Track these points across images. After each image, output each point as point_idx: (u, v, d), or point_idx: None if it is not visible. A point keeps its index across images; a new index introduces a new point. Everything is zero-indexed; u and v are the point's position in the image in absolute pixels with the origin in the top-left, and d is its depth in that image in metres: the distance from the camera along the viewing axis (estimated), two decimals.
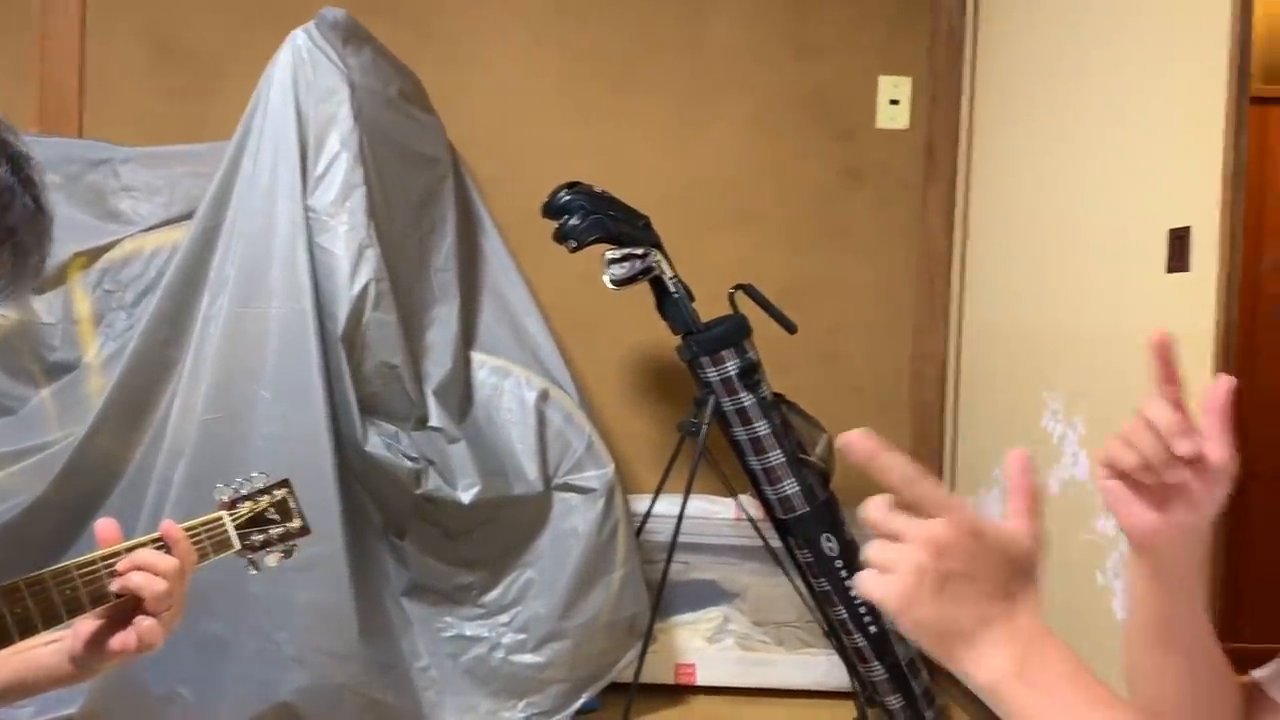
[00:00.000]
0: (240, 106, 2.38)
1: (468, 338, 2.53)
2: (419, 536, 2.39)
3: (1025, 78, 2.61)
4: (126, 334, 2.37)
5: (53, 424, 2.34)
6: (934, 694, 2.56)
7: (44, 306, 2.39)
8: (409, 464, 2.26)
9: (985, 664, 0.64)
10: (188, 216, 2.42)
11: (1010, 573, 0.66)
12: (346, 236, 2.23)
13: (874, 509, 0.66)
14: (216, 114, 2.72)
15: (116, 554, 1.05)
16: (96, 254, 2.44)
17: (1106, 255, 2.14)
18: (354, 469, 2.28)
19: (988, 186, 2.82)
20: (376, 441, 2.25)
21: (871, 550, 0.66)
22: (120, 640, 1.02)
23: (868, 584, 0.65)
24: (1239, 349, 1.74)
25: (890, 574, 0.64)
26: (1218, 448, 0.78)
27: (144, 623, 1.02)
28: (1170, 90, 1.94)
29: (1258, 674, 0.96)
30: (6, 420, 2.35)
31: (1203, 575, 0.87)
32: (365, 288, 2.22)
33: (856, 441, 0.66)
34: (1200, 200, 1.79)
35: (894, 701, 2.51)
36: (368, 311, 2.23)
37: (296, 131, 2.27)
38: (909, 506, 0.66)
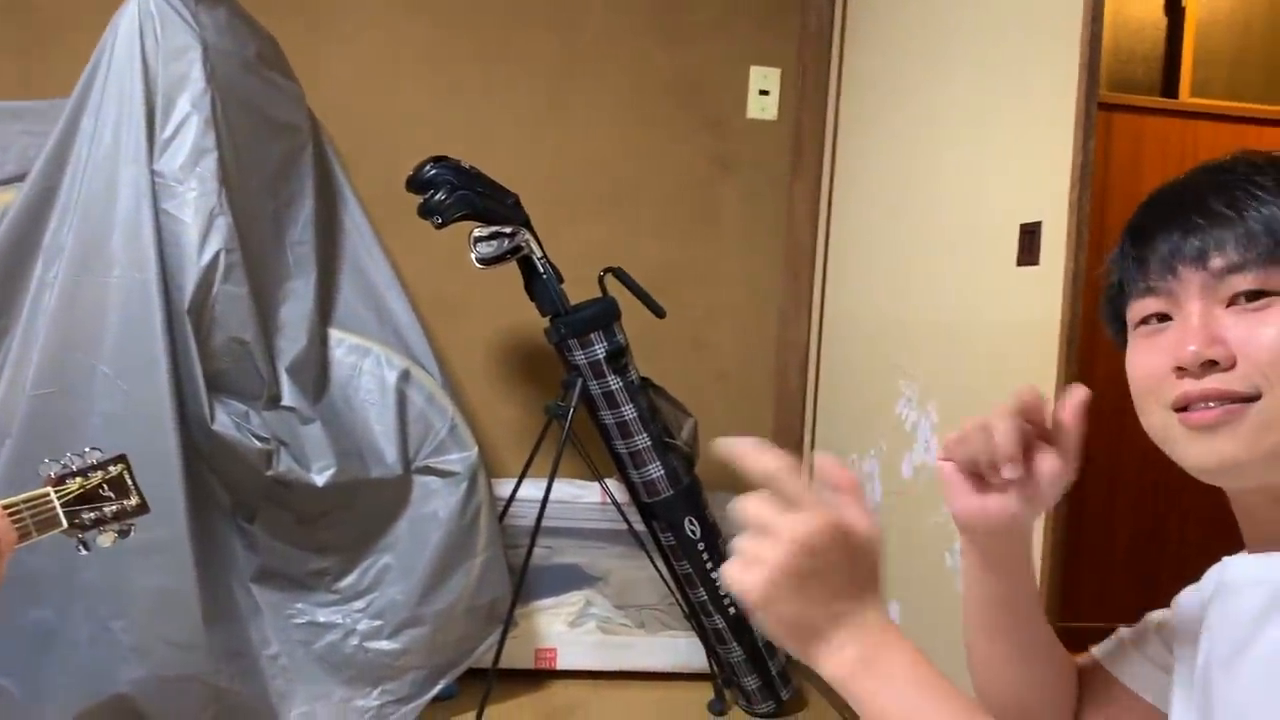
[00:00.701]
0: (81, 62, 2.22)
1: (325, 314, 2.44)
2: (270, 520, 2.30)
3: (889, 75, 2.68)
4: None
5: None
6: (789, 675, 2.61)
7: None
8: (259, 444, 2.17)
9: (835, 658, 0.68)
10: (21, 178, 2.25)
11: (862, 571, 0.68)
12: (196, 203, 2.12)
13: (753, 502, 0.67)
14: (56, 70, 2.54)
15: None
16: None
17: (961, 249, 2.21)
18: (200, 449, 2.17)
19: (852, 180, 2.88)
20: (225, 420, 2.14)
21: (740, 542, 0.67)
22: None
23: (733, 574, 0.67)
24: (1084, 341, 1.82)
25: (756, 568, 0.66)
26: (1052, 460, 0.82)
27: None
28: (1025, 92, 2.01)
29: (1097, 650, 1.00)
30: None
31: (1029, 564, 0.90)
32: (215, 258, 2.11)
33: (738, 447, 0.67)
34: (1050, 197, 1.87)
35: (751, 682, 2.55)
36: (217, 283, 2.12)
37: (143, 90, 2.13)
38: (779, 501, 0.67)
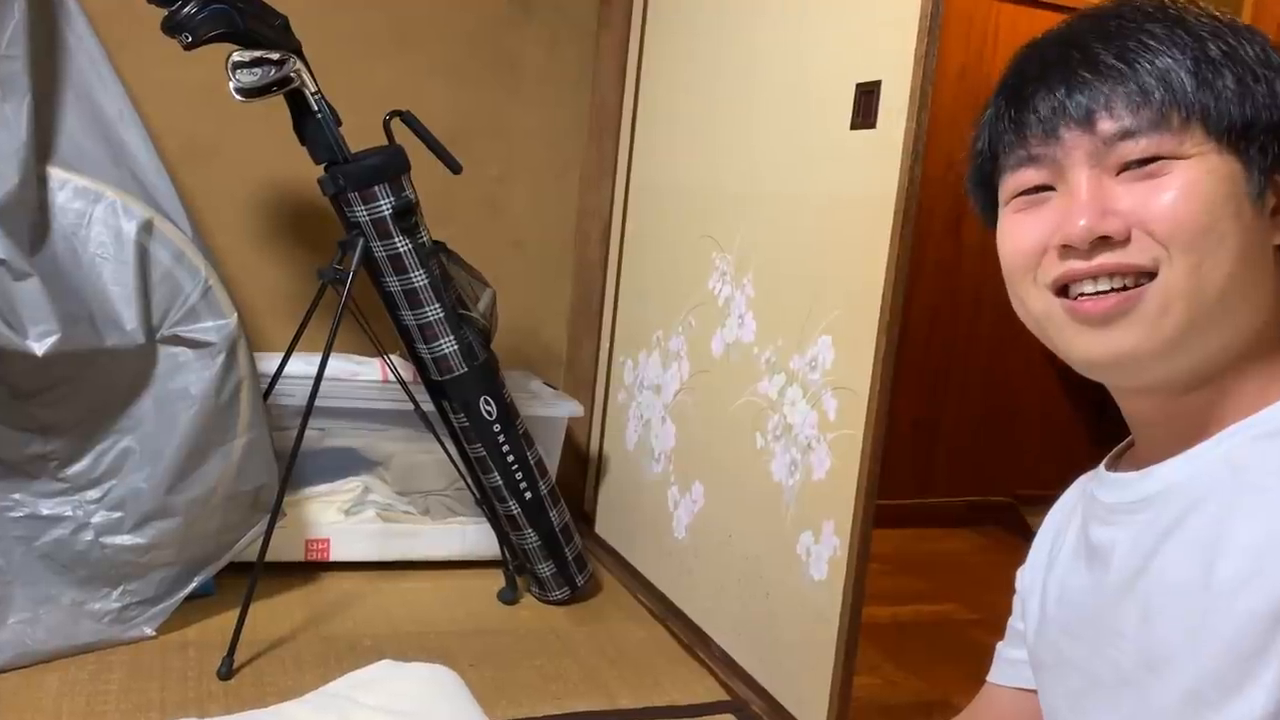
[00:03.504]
0: None
1: (43, 149, 2.00)
2: None
3: None
4: None
5: None
6: (585, 559, 2.49)
7: None
8: None
9: None
10: None
11: None
12: None
13: None
14: None
15: None
16: None
17: (788, 111, 2.05)
18: None
19: (666, 33, 2.65)
20: None
21: None
22: None
23: None
24: (921, 210, 1.71)
25: None
26: None
27: None
28: None
29: (990, 677, 0.97)
30: None
31: None
32: None
33: None
34: (893, 54, 1.73)
35: (545, 569, 2.40)
36: None
37: None
38: None
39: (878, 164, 1.75)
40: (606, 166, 2.85)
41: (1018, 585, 0.93)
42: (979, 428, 3.49)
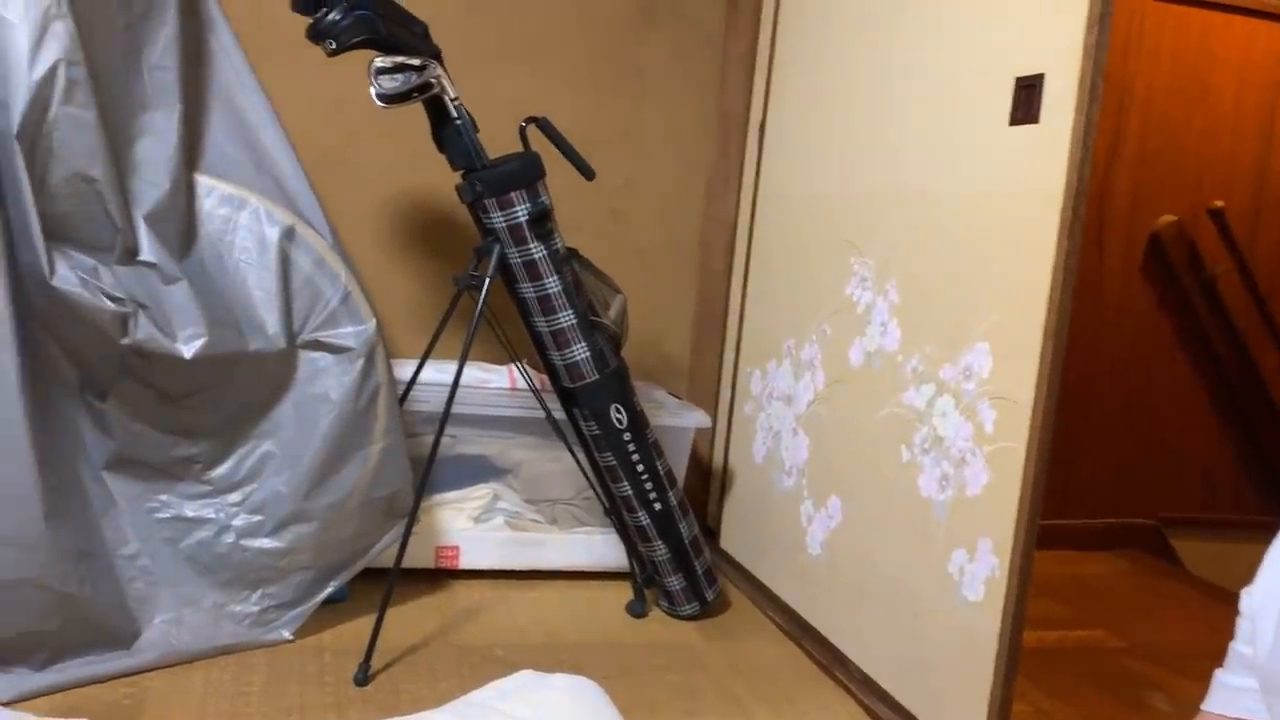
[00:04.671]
0: None
1: (191, 156, 2.04)
2: (126, 398, 1.94)
3: None
4: None
5: None
6: (715, 574, 2.43)
7: None
8: (112, 306, 1.79)
9: None
10: None
11: None
12: (26, 1, 1.69)
13: None
14: None
15: None
16: None
17: (936, 108, 1.97)
18: (37, 310, 1.78)
19: (799, 35, 2.60)
20: (68, 275, 1.75)
21: None
22: None
23: None
24: (1090, 214, 1.62)
25: None
26: None
27: None
28: None
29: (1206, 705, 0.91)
30: None
31: None
32: (53, 71, 1.69)
33: None
34: (1058, 44, 1.64)
35: (674, 582, 2.35)
36: (55, 104, 1.70)
37: None
38: None
39: (1041, 161, 1.66)
40: (733, 174, 2.80)
41: (1243, 608, 0.85)
42: (1119, 446, 3.32)
